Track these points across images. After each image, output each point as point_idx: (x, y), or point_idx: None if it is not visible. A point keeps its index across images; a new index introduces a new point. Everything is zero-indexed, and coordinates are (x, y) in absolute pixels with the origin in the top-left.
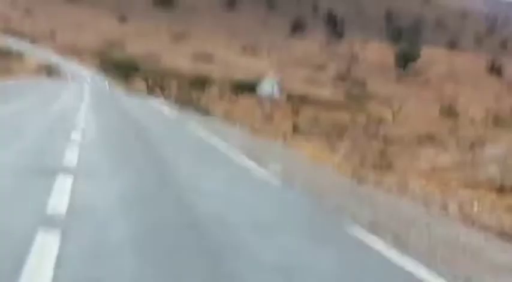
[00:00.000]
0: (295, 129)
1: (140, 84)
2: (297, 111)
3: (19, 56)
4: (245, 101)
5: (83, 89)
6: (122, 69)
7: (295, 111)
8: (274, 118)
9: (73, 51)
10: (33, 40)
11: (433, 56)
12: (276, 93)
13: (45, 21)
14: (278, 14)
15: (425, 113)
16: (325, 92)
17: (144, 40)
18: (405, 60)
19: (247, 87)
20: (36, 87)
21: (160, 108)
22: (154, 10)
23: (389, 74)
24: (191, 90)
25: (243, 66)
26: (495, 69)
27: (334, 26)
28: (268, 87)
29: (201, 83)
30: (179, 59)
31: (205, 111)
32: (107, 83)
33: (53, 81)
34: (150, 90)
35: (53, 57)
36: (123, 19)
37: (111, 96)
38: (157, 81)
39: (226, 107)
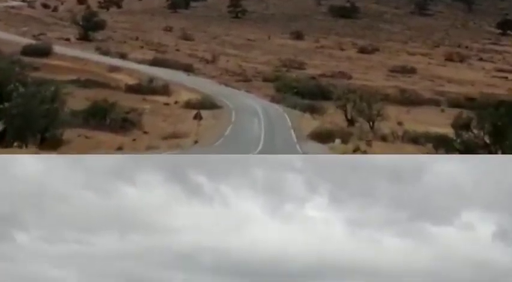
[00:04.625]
0: None
1: (335, 115)
2: None
3: (164, 92)
4: None
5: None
6: (305, 96)
7: None
8: None
9: (239, 78)
10: (190, 69)
11: None
12: None
13: (205, 45)
14: (479, 14)
15: None
16: None
17: (327, 58)
18: None
19: None
20: None
21: None
22: (334, 22)
23: None
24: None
25: (453, 78)
26: None
27: None
28: None
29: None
30: (373, 76)
31: None
32: (288, 120)
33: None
34: (351, 125)
35: (213, 88)
36: (298, 35)
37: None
38: (363, 110)
39: None
